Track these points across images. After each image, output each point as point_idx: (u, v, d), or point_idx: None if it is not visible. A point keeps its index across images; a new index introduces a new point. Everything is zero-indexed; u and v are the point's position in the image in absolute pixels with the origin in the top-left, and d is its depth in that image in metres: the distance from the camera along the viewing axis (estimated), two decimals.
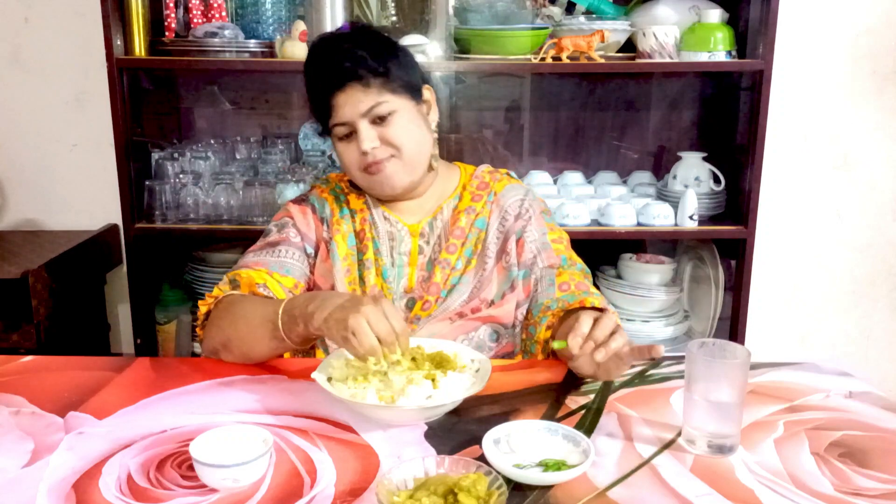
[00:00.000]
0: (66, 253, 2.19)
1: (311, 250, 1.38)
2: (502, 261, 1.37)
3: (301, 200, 1.44)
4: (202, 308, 1.30)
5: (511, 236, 1.37)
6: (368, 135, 1.27)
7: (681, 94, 2.46)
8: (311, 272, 1.38)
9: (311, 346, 1.32)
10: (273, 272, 1.31)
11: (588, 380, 1.18)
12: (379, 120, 1.28)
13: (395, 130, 1.28)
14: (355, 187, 1.42)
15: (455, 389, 1.04)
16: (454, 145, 2.45)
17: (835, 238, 2.58)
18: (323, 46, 1.31)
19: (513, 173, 1.50)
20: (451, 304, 1.33)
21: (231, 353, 1.23)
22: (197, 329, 1.33)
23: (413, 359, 1.08)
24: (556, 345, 1.11)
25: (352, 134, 1.29)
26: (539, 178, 2.35)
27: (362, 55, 1.26)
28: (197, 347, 2.25)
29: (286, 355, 1.28)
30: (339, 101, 1.27)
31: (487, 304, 1.34)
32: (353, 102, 1.26)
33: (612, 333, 1.04)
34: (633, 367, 1.22)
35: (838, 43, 2.43)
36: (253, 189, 2.12)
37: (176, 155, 2.20)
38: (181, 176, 2.15)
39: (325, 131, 1.34)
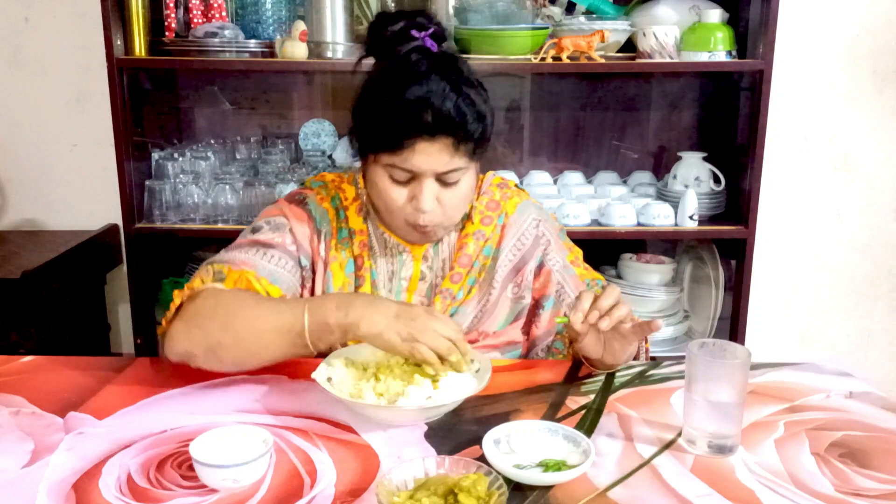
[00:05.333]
0: (66, 253, 2.19)
1: (305, 262, 1.26)
2: (508, 290, 1.30)
3: (298, 202, 1.29)
4: (177, 299, 1.15)
5: (528, 263, 1.30)
6: (432, 194, 1.16)
7: (681, 94, 2.46)
8: (303, 285, 1.26)
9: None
10: (261, 277, 1.18)
11: (588, 380, 1.18)
12: (445, 181, 1.17)
13: (455, 197, 1.18)
14: (355, 199, 1.31)
15: (455, 389, 1.03)
16: None
17: (835, 238, 2.58)
18: (422, 78, 1.12)
19: (520, 184, 1.48)
20: None
21: (217, 359, 1.10)
22: (163, 322, 1.16)
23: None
24: (558, 320, 1.20)
25: (409, 181, 1.16)
26: (539, 178, 2.35)
27: (465, 112, 1.12)
28: None
29: None
30: (418, 148, 1.12)
31: (486, 336, 1.28)
32: (435, 158, 1.13)
33: (616, 305, 1.07)
34: (632, 367, 1.23)
35: (838, 43, 2.43)
36: (253, 189, 2.12)
37: (176, 155, 2.20)
38: (181, 176, 2.15)
39: (364, 152, 1.20)
